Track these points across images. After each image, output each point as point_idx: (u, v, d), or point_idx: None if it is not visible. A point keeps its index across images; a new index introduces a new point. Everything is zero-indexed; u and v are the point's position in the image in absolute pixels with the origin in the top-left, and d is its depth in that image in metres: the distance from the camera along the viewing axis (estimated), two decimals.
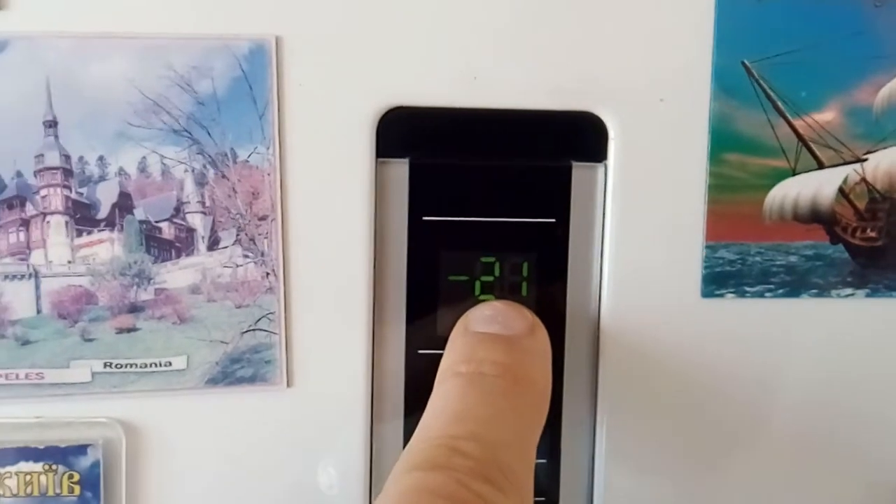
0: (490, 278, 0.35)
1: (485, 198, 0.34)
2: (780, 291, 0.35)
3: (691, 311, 0.35)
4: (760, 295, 0.35)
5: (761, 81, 0.33)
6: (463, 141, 0.34)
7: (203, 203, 0.33)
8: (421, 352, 0.35)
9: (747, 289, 0.35)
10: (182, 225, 0.33)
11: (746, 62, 0.33)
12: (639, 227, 0.34)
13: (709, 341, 0.35)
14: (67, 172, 0.32)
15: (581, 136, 0.34)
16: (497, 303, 0.34)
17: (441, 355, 0.33)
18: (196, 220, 0.33)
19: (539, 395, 0.31)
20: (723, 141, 0.34)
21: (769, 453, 0.37)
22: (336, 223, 0.33)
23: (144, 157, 0.32)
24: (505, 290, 0.35)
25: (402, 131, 0.33)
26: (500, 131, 0.34)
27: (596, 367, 0.35)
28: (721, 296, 0.35)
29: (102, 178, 0.32)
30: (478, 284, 0.35)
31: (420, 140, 0.34)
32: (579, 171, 0.34)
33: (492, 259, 0.34)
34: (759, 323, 0.35)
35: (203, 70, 0.32)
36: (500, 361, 0.31)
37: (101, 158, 0.32)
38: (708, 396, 0.36)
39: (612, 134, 0.34)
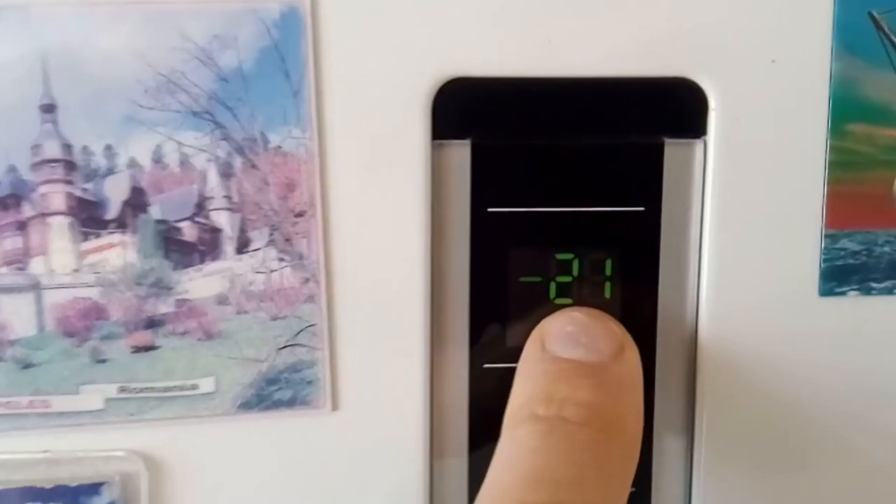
0: (567, 279, 0.33)
1: (560, 184, 0.32)
2: None
3: (807, 313, 0.33)
4: (889, 291, 0.33)
5: (892, 36, 0.31)
6: (534, 117, 0.32)
7: (229, 198, 0.31)
8: (487, 366, 0.33)
9: (874, 285, 0.33)
10: (205, 224, 0.31)
11: (875, 13, 0.31)
12: (744, 215, 0.32)
13: (828, 348, 0.33)
14: (70, 165, 0.30)
15: (675, 106, 0.32)
16: (579, 313, 0.31)
17: (510, 370, 0.31)
18: (222, 219, 0.31)
19: (630, 438, 0.29)
20: (846, 109, 0.32)
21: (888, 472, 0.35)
22: (386, 218, 0.32)
23: (159, 146, 0.30)
24: (585, 293, 0.33)
25: (463, 107, 0.31)
26: (577, 104, 0.32)
27: (693, 382, 0.33)
28: (843, 294, 0.33)
29: (111, 172, 0.31)
30: (553, 286, 0.33)
31: (484, 117, 0.32)
32: (673, 148, 0.32)
33: (569, 256, 0.32)
34: (887, 325, 0.33)
35: (226, 40, 0.30)
36: (586, 402, 0.29)
37: (108, 148, 0.30)
38: (825, 414, 0.34)
39: (712, 104, 0.32)
